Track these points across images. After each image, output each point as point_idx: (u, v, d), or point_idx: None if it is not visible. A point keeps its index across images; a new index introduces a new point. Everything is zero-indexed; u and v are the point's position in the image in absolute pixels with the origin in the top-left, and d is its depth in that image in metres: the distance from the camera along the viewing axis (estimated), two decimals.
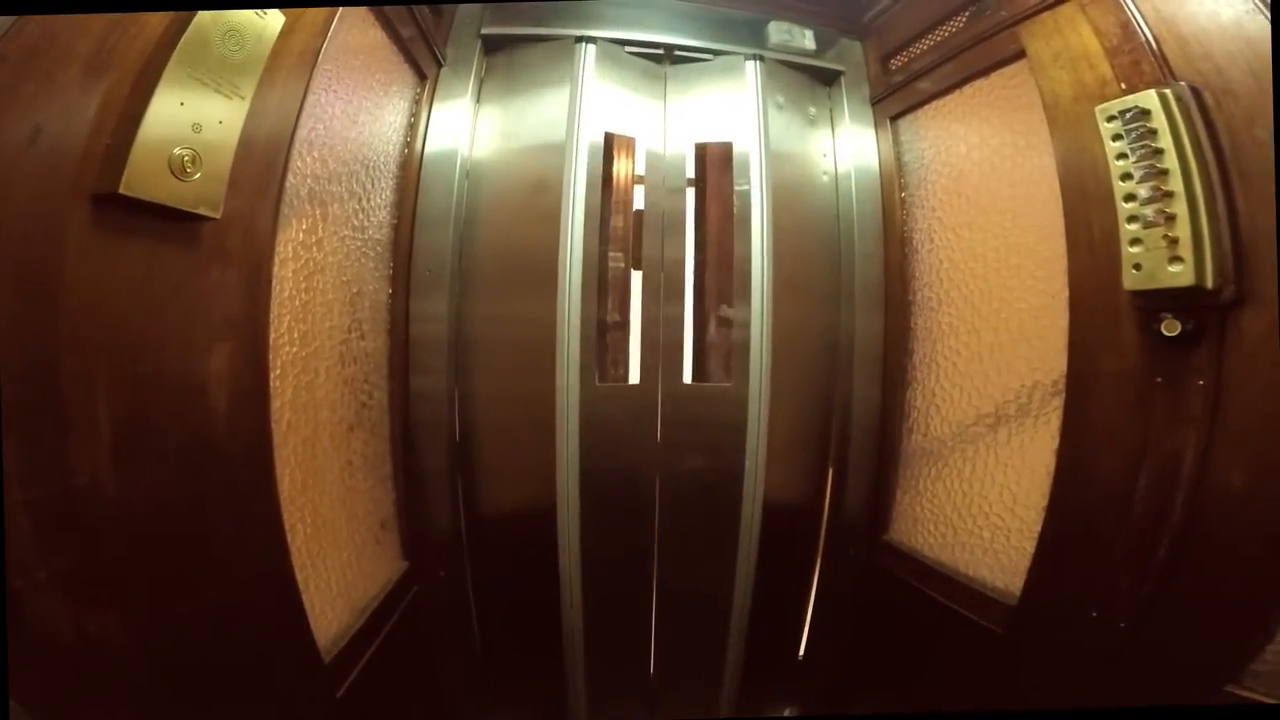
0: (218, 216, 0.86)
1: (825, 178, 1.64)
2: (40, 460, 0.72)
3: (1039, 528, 1.18)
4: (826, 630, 1.61)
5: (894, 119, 1.60)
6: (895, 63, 1.60)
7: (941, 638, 1.37)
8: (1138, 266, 1.00)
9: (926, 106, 1.51)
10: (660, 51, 1.61)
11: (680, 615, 1.51)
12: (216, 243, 0.88)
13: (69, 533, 0.74)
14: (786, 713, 1.64)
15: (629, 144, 1.51)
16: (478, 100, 1.51)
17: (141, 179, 0.76)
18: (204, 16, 0.82)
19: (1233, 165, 0.94)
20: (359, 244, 1.27)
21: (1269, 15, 0.90)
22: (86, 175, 0.73)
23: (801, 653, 1.63)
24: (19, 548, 0.69)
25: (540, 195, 1.43)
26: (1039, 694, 1.17)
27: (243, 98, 0.87)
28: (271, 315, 0.99)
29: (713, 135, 1.55)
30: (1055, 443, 1.16)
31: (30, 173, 0.70)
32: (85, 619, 0.75)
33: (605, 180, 1.46)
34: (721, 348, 1.51)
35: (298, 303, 1.09)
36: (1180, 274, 0.95)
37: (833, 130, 1.67)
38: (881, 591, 1.55)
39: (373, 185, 1.31)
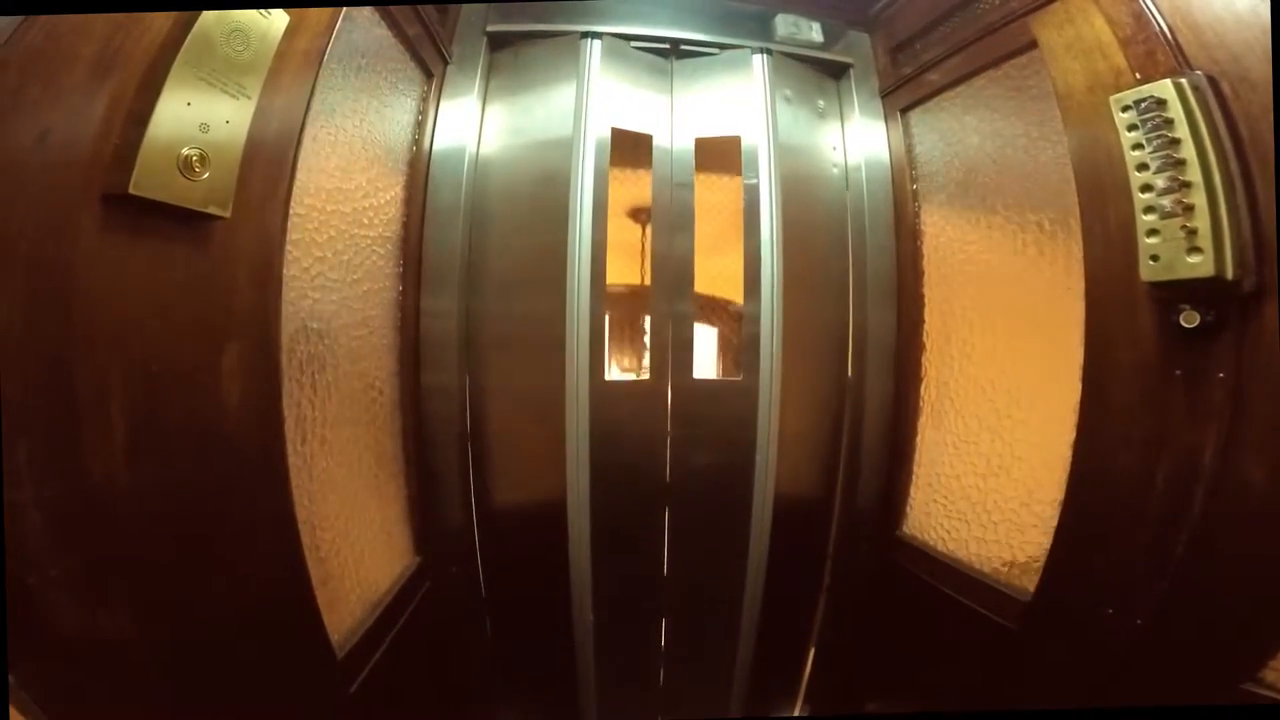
0: (227, 215, 0.86)
1: (835, 171, 1.62)
2: (54, 458, 0.73)
3: (1055, 523, 1.17)
4: (838, 626, 1.60)
5: (904, 111, 1.58)
6: (904, 55, 1.59)
7: (955, 633, 1.36)
8: (1155, 257, 0.98)
9: (937, 98, 1.49)
10: (666, 46, 1.60)
11: (691, 611, 1.51)
12: (226, 241, 0.88)
13: (82, 529, 0.75)
14: (798, 709, 1.63)
15: (636, 139, 1.51)
16: (484, 97, 1.51)
17: (150, 179, 0.77)
18: (208, 17, 0.82)
19: (1252, 154, 0.92)
20: (369, 241, 1.28)
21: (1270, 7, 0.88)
22: (95, 176, 0.74)
23: (813, 648, 1.62)
24: (33, 544, 0.70)
25: (548, 191, 1.43)
26: (1053, 691, 1.16)
27: (249, 97, 0.88)
28: (282, 313, 0.99)
29: (720, 129, 1.54)
30: (1071, 436, 1.14)
31: (39, 174, 0.71)
32: (98, 615, 0.76)
33: (613, 175, 1.46)
34: (731, 342, 1.50)
35: (308, 300, 1.10)
36: (1199, 265, 0.93)
37: (842, 123, 1.65)
38: (894, 587, 1.54)
39: (381, 182, 1.32)
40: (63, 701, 0.75)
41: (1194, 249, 0.94)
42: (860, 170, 1.60)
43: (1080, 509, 1.13)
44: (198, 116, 0.82)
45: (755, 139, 1.51)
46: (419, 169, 1.42)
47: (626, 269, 1.57)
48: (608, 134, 1.45)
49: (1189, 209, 0.94)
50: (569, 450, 1.39)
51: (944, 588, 1.40)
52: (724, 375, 1.51)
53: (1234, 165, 0.93)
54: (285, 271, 1.00)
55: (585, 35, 1.50)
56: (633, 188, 1.57)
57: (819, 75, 1.67)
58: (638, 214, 1.56)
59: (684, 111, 1.55)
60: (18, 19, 0.70)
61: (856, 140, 1.63)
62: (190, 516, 0.86)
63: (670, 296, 1.47)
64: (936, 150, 1.52)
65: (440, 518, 1.43)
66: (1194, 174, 0.94)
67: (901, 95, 1.58)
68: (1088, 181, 1.11)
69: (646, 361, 1.49)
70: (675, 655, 1.53)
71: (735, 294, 1.50)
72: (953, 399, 1.46)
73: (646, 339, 1.50)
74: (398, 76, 1.35)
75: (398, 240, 1.38)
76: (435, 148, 1.44)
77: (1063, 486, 1.16)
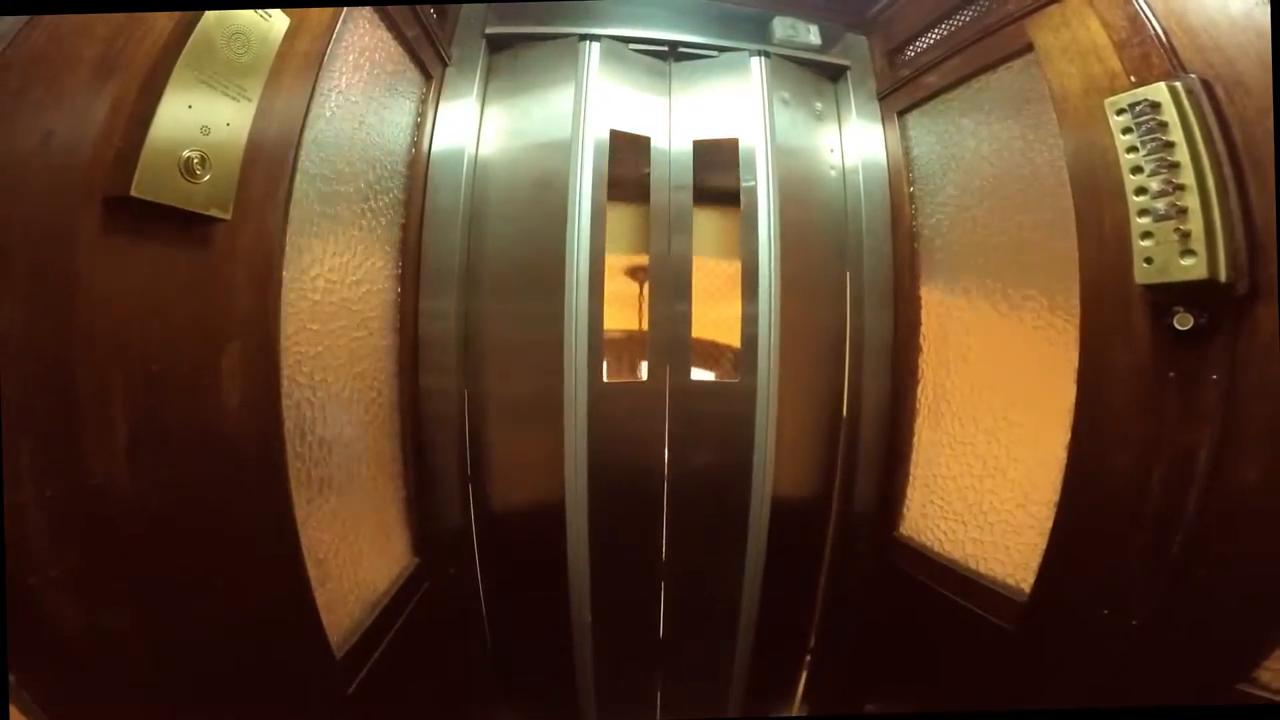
0: (228, 218, 0.87)
1: (832, 173, 1.63)
2: (55, 458, 0.74)
3: (1050, 524, 1.18)
4: (836, 626, 1.61)
5: (901, 114, 1.59)
6: (901, 57, 1.59)
7: (952, 634, 1.37)
8: (1149, 260, 0.99)
9: (934, 101, 1.50)
10: (665, 48, 1.60)
11: (689, 612, 1.51)
12: (227, 243, 0.89)
13: (83, 530, 0.75)
14: (796, 710, 1.64)
15: (635, 141, 1.51)
16: (483, 99, 1.52)
17: (152, 181, 0.77)
18: (209, 20, 0.83)
19: (1245, 157, 0.93)
20: (368, 243, 1.28)
21: (1270, 9, 0.89)
22: (98, 178, 0.75)
23: (811, 649, 1.63)
24: (34, 545, 0.71)
25: (546, 193, 1.44)
26: (1050, 691, 1.17)
27: (249, 100, 0.88)
28: (282, 314, 1.00)
29: (718, 132, 1.54)
30: (1067, 438, 1.15)
31: (42, 176, 0.71)
32: (98, 615, 0.76)
33: (611, 178, 1.46)
34: (729, 343, 1.51)
35: (307, 302, 1.10)
36: (1193, 267, 0.94)
37: (839, 125, 1.66)
38: (891, 588, 1.54)
39: (380, 185, 1.32)
40: (63, 701, 0.75)
41: (1188, 252, 0.94)
42: (857, 172, 1.61)
43: (1076, 510, 1.14)
44: (199, 119, 0.82)
45: (753, 141, 1.52)
46: (418, 170, 1.42)
47: (627, 323, 1.56)
48: (606, 136, 1.46)
49: (1183, 212, 0.95)
50: (567, 451, 1.39)
51: (941, 588, 1.40)
52: (722, 376, 1.51)
53: (1227, 168, 0.94)
54: (285, 273, 1.01)
55: (584, 37, 1.50)
56: (630, 263, 1.55)
57: (816, 77, 1.67)
58: (636, 272, 1.54)
59: (682, 113, 1.56)
60: (20, 21, 0.71)
61: (854, 142, 1.63)
62: (190, 517, 0.86)
63: (669, 297, 1.48)
64: (933, 153, 1.53)
65: (439, 519, 1.43)
66: (1188, 177, 0.95)
67: (899, 98, 1.59)
68: (1083, 184, 1.12)
69: (645, 363, 1.50)
70: (673, 655, 1.53)
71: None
72: (949, 400, 1.46)
73: (644, 340, 1.50)
74: (397, 78, 1.36)
75: (397, 242, 1.38)
76: (434, 149, 1.44)
77: (1058, 488, 1.16)
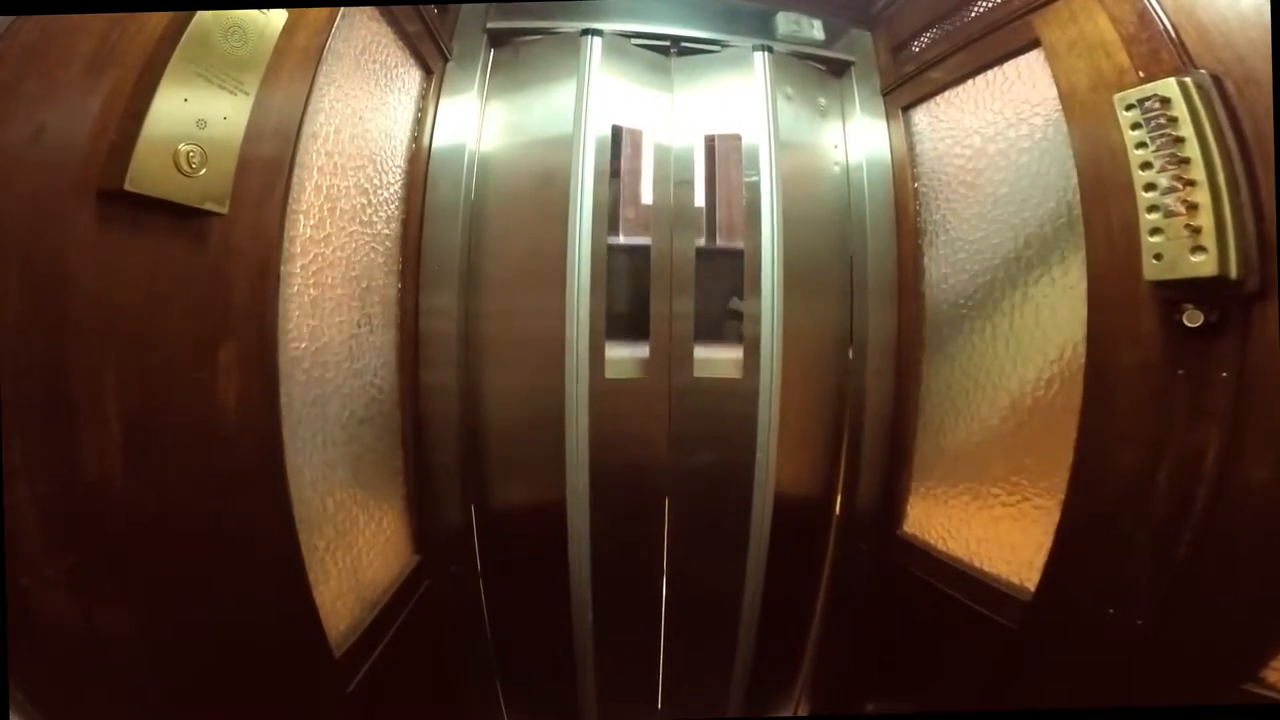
0: (224, 212, 0.86)
1: (836, 169, 1.62)
2: (49, 456, 0.73)
3: (1056, 522, 1.17)
4: (838, 626, 1.60)
5: (906, 109, 1.57)
6: (906, 53, 1.58)
7: (955, 634, 1.36)
8: (1158, 256, 0.98)
9: (939, 97, 1.49)
10: (667, 43, 1.59)
11: (690, 611, 1.50)
12: (223, 238, 0.88)
13: (78, 528, 0.75)
14: (797, 709, 1.63)
15: (637, 137, 1.50)
16: (484, 95, 1.51)
17: (147, 175, 0.76)
18: (205, 13, 0.82)
19: (1256, 153, 0.92)
20: (367, 239, 1.27)
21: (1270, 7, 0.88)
22: (91, 172, 0.74)
23: (812, 648, 1.62)
24: (28, 544, 0.70)
25: (548, 189, 1.43)
26: (1054, 691, 1.16)
27: (247, 94, 0.87)
28: (280, 310, 0.99)
29: (721, 127, 1.54)
30: (1073, 437, 1.14)
31: (35, 170, 0.70)
32: (94, 614, 0.76)
33: (613, 173, 1.45)
34: (731, 341, 1.50)
35: (306, 298, 1.09)
36: (1203, 264, 0.93)
37: (843, 121, 1.64)
38: (894, 587, 1.53)
39: (380, 180, 1.31)
40: (59, 700, 0.75)
41: (1198, 248, 0.93)
42: (861, 169, 1.60)
43: (1082, 509, 1.13)
44: (195, 113, 0.81)
45: (756, 136, 1.50)
46: (418, 166, 1.41)
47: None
48: (608, 131, 1.45)
49: (1193, 208, 0.94)
50: (569, 449, 1.38)
51: (944, 587, 1.39)
52: (724, 374, 1.50)
53: (1238, 164, 0.93)
54: (283, 268, 1.00)
55: (586, 32, 1.49)
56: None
57: (820, 73, 1.66)
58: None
59: (685, 109, 1.55)
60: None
61: (858, 138, 1.62)
62: (188, 515, 0.85)
63: (670, 295, 1.47)
64: (939, 148, 1.51)
65: (439, 516, 1.43)
66: (1198, 173, 0.94)
67: (903, 93, 1.58)
68: (1091, 180, 1.11)
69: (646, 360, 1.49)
70: (674, 655, 1.52)
71: None
72: (953, 398, 1.45)
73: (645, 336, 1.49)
74: (397, 73, 1.35)
75: (397, 238, 1.37)
76: (435, 145, 1.43)
77: (1064, 486, 1.15)
